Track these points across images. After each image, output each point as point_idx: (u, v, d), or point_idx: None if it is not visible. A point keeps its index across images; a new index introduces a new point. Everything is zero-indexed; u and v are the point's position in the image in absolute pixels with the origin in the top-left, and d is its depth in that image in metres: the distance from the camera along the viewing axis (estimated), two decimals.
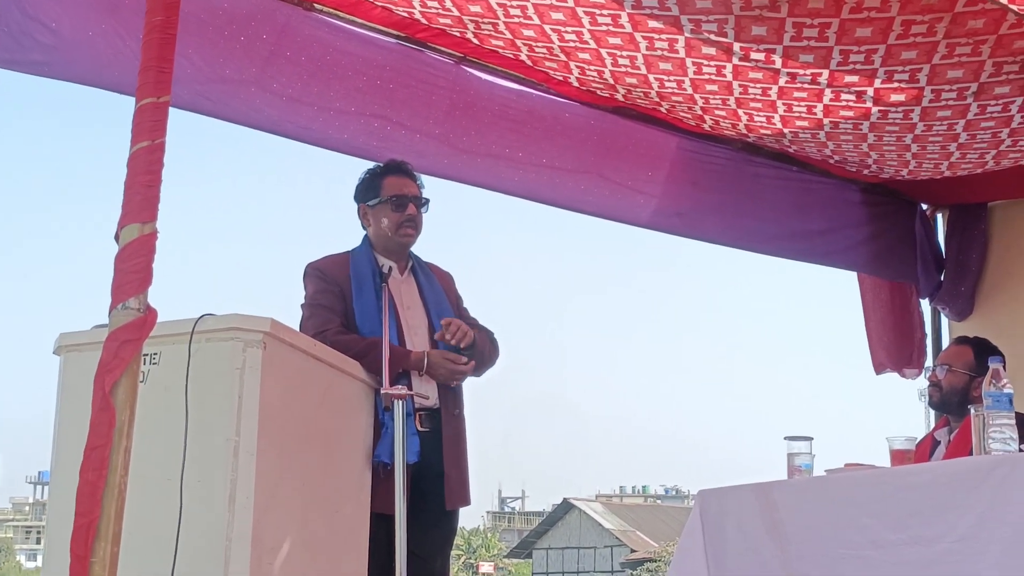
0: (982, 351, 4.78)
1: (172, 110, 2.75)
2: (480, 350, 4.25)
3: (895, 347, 6.61)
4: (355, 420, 3.83)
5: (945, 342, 6.52)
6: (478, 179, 5.18)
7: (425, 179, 4.47)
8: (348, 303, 4.14)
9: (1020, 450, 3.31)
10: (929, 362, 6.48)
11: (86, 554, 2.34)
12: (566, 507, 57.30)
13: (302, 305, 4.21)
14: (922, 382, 5.19)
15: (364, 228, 4.36)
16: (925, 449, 4.74)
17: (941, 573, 3.24)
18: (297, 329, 3.95)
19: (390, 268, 4.21)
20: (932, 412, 5.46)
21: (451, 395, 4.20)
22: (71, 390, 3.46)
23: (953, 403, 4.74)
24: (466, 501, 4.24)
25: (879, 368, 6.69)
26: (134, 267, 2.54)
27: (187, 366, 3.18)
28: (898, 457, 4.12)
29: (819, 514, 3.67)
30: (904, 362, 6.60)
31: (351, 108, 4.71)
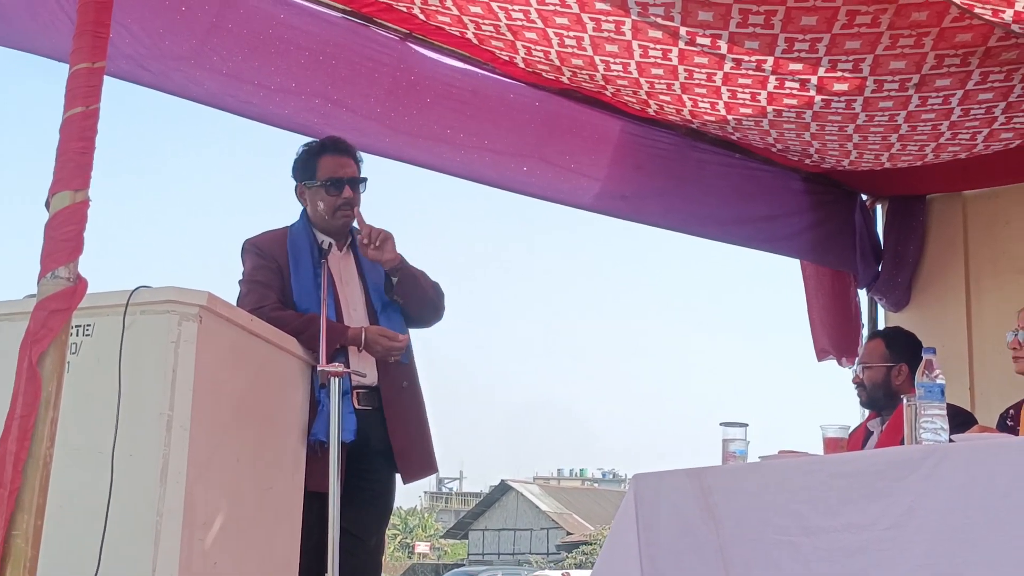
0: (892, 341, 4.90)
1: (110, 80, 2.70)
2: (419, 284, 4.24)
3: (837, 334, 6.68)
4: (291, 397, 3.81)
5: None
6: (419, 159, 5.14)
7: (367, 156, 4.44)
8: (286, 279, 4.11)
9: (950, 440, 3.35)
10: None
11: (4, 526, 2.29)
12: (503, 489, 57.37)
13: (240, 281, 4.17)
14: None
15: (302, 205, 4.31)
16: (858, 438, 4.79)
17: (871, 560, 3.28)
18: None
19: (329, 244, 4.18)
20: None
21: (397, 371, 4.17)
22: (1, 359, 3.40)
23: (879, 397, 4.82)
24: (429, 469, 4.25)
25: (821, 355, 6.75)
26: (64, 235, 2.49)
27: (121, 338, 3.14)
28: (831, 445, 4.16)
29: (752, 499, 3.70)
30: (844, 350, 6.67)
31: (292, 84, 4.64)
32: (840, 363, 6.73)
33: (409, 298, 4.23)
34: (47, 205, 2.54)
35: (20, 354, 2.45)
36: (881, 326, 6.69)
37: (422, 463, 4.23)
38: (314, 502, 3.76)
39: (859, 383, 4.91)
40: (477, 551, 56.07)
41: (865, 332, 6.74)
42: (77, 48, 2.61)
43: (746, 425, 4.04)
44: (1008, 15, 3.83)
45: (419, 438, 4.24)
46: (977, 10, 3.82)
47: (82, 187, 2.53)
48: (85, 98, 2.56)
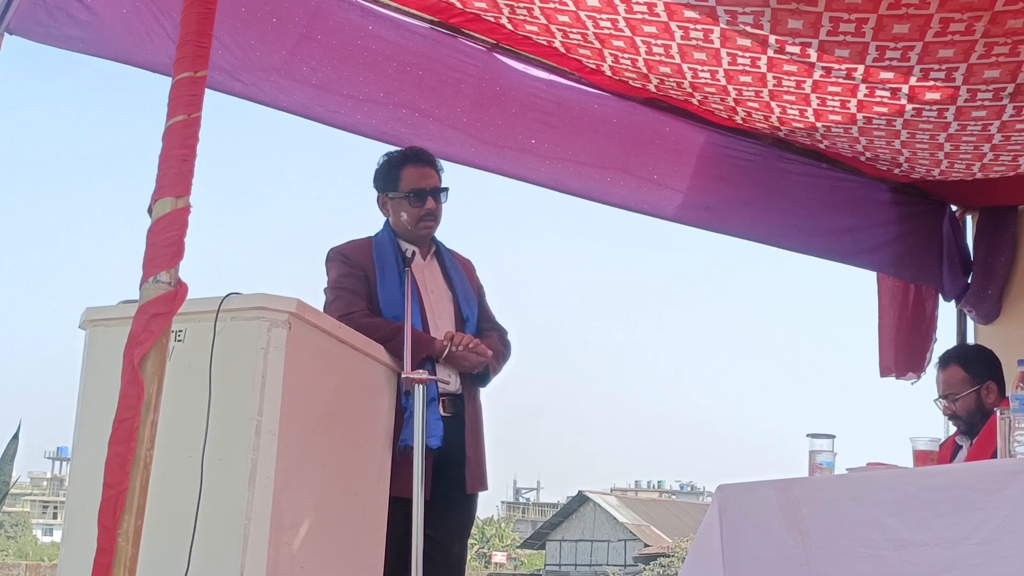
0: (969, 362, 4.76)
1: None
2: (495, 372, 4.28)
3: (904, 350, 6.54)
4: (377, 403, 3.83)
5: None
6: (504, 169, 5.18)
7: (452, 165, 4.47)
8: (372, 288, 4.13)
9: None
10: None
11: (114, 525, 2.34)
12: (581, 499, 57.26)
13: (325, 289, 4.20)
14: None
15: (384, 215, 4.35)
16: (947, 452, 4.70)
17: (963, 575, 3.22)
18: None
19: (413, 252, 4.20)
20: None
21: (472, 380, 4.19)
22: (96, 365, 3.46)
23: (977, 422, 4.65)
24: (484, 485, 4.25)
25: (884, 372, 6.62)
26: (166, 241, 2.54)
27: (212, 344, 3.18)
28: (921, 458, 4.10)
29: (840, 512, 3.65)
30: (910, 365, 6.54)
31: (379, 95, 4.70)
32: (900, 378, 6.58)
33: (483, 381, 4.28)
34: (149, 211, 2.58)
35: (124, 357, 2.49)
36: (970, 339, 6.57)
37: (482, 475, 4.24)
38: (399, 508, 3.77)
39: (952, 415, 4.74)
40: (554, 562, 56.01)
41: (937, 348, 6.58)
42: (180, 57, 2.65)
43: (833, 437, 4.00)
44: None
45: (482, 450, 4.25)
46: None
47: (183, 193, 2.57)
48: (187, 106, 2.61)
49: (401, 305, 3.97)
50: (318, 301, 4.16)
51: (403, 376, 3.73)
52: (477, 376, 4.21)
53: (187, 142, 2.57)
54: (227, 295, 3.27)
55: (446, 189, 4.30)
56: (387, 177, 4.31)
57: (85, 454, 3.39)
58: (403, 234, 4.28)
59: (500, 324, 4.42)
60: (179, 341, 3.29)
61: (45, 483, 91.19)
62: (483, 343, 4.15)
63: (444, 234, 4.38)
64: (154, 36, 4.05)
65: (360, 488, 3.69)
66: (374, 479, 3.77)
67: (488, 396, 4.31)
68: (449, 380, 4.06)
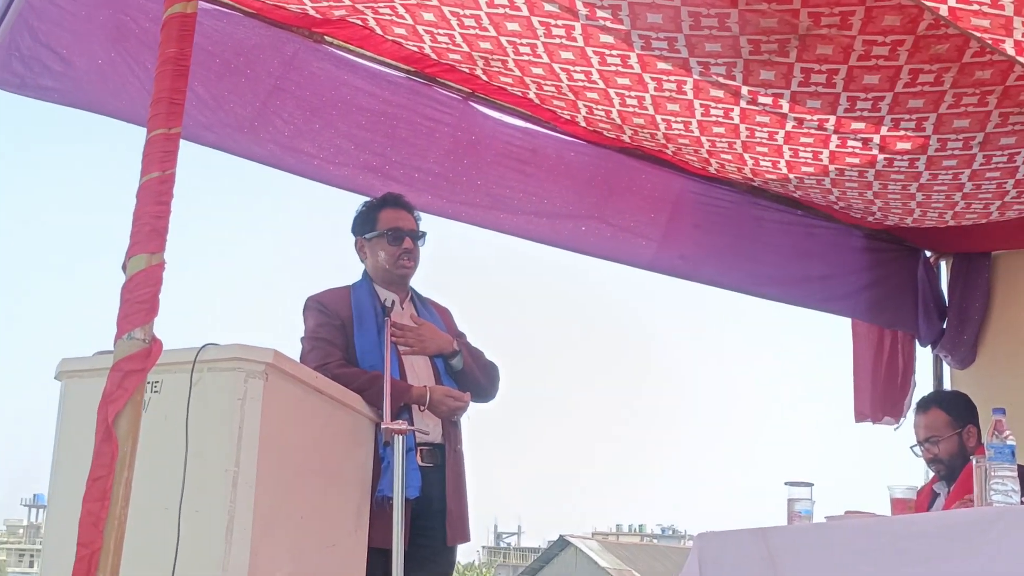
0: (951, 406, 4.78)
1: None
2: (474, 372, 4.28)
3: (879, 394, 6.54)
4: (355, 454, 3.82)
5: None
6: (476, 219, 5.17)
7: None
8: (349, 337, 4.12)
9: (1022, 502, 3.29)
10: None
11: None
12: (562, 544, 56.86)
13: (302, 338, 4.19)
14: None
15: (362, 261, 4.35)
16: (924, 500, 4.71)
17: None
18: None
19: (393, 302, 4.20)
20: None
21: (453, 431, 4.18)
22: (71, 417, 3.45)
23: (958, 466, 4.67)
24: (466, 537, 4.22)
25: (859, 417, 6.62)
26: (141, 297, 2.53)
27: (188, 395, 3.17)
28: (899, 506, 4.10)
29: (818, 561, 3.65)
30: (886, 410, 6.54)
31: (351, 146, 4.72)
32: (877, 421, 6.58)
33: (462, 383, 4.26)
34: (124, 268, 2.58)
35: (98, 415, 2.48)
36: (947, 384, 6.59)
37: (465, 529, 4.22)
38: (378, 559, 3.76)
39: (933, 458, 4.75)
40: None
41: (916, 393, 6.59)
42: (155, 114, 2.66)
43: (812, 484, 3.99)
44: None
45: (465, 503, 4.23)
46: None
47: (158, 250, 2.57)
48: (161, 163, 2.61)
49: (378, 355, 3.97)
50: (295, 350, 4.16)
51: (383, 427, 3.71)
52: (478, 395, 4.26)
53: (161, 199, 2.58)
54: (203, 346, 3.26)
55: (424, 233, 4.31)
56: (365, 221, 4.33)
57: (61, 506, 3.38)
58: (381, 279, 4.28)
59: (489, 360, 4.42)
60: (155, 392, 3.28)
61: (21, 531, 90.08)
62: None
63: (421, 282, 4.39)
64: (129, 87, 4.06)
65: (338, 539, 3.67)
66: (352, 530, 3.75)
67: (471, 438, 4.31)
68: (428, 431, 4.05)
